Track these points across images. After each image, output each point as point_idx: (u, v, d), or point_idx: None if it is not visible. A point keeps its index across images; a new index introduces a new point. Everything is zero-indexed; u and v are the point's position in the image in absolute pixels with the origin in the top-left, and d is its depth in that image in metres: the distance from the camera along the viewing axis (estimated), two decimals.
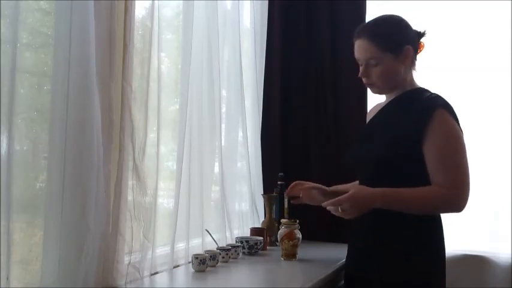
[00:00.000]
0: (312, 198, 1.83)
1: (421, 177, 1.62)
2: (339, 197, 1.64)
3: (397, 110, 1.75)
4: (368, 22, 1.82)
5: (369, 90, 2.47)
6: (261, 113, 2.66)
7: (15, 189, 1.21)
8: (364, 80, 1.76)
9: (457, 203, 1.59)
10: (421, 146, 1.62)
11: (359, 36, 1.75)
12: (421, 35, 1.77)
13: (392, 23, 1.75)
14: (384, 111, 1.82)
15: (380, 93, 1.81)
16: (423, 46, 1.77)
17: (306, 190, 1.86)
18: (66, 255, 1.34)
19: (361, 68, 1.75)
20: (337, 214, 1.67)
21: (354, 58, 2.62)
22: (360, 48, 1.74)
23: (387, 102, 1.83)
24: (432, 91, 1.74)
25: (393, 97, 1.79)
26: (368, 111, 2.04)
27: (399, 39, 1.72)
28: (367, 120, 1.95)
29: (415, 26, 1.77)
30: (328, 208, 1.68)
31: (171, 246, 1.78)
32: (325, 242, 2.46)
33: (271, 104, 2.71)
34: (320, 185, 1.86)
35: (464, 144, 1.63)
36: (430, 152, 1.61)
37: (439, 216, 1.71)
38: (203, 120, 2.07)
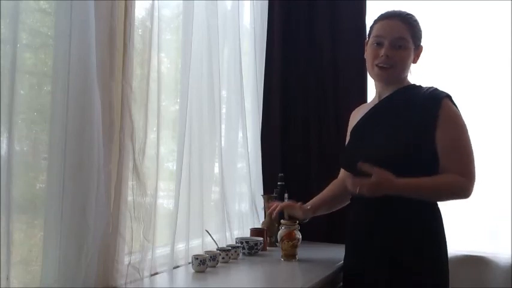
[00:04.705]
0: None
1: (430, 166, 1.64)
2: (375, 170, 1.58)
3: (397, 105, 1.75)
4: (398, 10, 1.79)
5: (368, 91, 2.53)
6: (261, 113, 2.66)
7: (15, 190, 1.21)
8: (383, 60, 1.71)
9: (468, 189, 1.63)
10: (432, 135, 1.64)
11: (391, 18, 1.75)
12: None
13: (417, 20, 1.78)
14: (380, 107, 1.80)
15: (390, 78, 1.76)
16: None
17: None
18: (66, 255, 1.34)
19: (385, 47, 1.71)
20: (355, 187, 1.61)
21: (354, 58, 2.62)
22: (392, 27, 1.73)
23: (381, 99, 1.81)
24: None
25: (388, 93, 1.79)
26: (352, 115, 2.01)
27: (421, 35, 1.78)
28: (353, 122, 1.92)
29: None
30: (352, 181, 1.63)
31: (171, 247, 1.78)
32: (325, 243, 2.46)
33: (271, 104, 2.71)
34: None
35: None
36: (442, 140, 1.64)
37: (441, 216, 1.71)
38: (203, 120, 2.07)
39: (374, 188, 1.59)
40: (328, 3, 2.69)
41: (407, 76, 1.80)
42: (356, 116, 1.93)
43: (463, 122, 1.68)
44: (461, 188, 1.63)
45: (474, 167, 1.64)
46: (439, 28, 2.44)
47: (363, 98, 2.50)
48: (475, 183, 1.63)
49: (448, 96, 1.69)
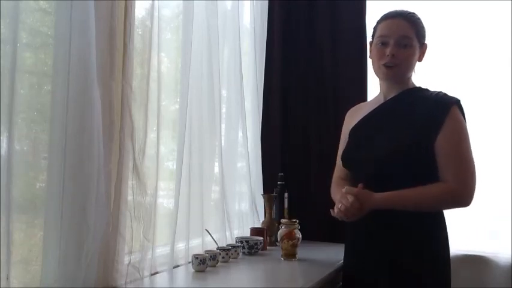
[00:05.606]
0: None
1: (431, 168, 1.63)
2: (351, 204, 1.63)
3: (402, 106, 1.75)
4: (400, 10, 1.80)
5: (368, 91, 2.53)
6: (261, 113, 2.66)
7: (15, 189, 1.21)
8: (389, 59, 1.71)
9: (466, 198, 1.61)
10: (434, 139, 1.63)
11: (395, 17, 1.75)
12: None
13: (420, 18, 1.79)
14: (384, 108, 1.80)
15: (396, 77, 1.76)
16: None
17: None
18: (66, 255, 1.34)
19: (391, 47, 1.71)
20: (340, 214, 1.66)
21: (354, 58, 2.62)
22: (396, 26, 1.73)
23: (387, 99, 1.81)
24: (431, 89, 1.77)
25: (393, 94, 1.79)
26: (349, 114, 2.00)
27: (425, 33, 1.78)
28: (351, 121, 1.91)
29: None
30: (340, 209, 1.66)
31: (171, 246, 1.78)
32: (325, 242, 2.46)
33: (271, 104, 2.71)
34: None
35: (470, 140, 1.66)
36: (442, 147, 1.63)
37: (443, 217, 1.71)
38: (203, 120, 2.07)
39: (356, 208, 1.62)
40: (328, 3, 2.69)
41: (412, 76, 1.80)
42: (354, 115, 1.92)
43: (466, 132, 1.66)
44: (454, 197, 1.62)
45: (472, 176, 1.61)
46: (439, 28, 2.44)
47: (363, 98, 2.50)
48: (473, 191, 1.60)
49: (457, 102, 1.68)
